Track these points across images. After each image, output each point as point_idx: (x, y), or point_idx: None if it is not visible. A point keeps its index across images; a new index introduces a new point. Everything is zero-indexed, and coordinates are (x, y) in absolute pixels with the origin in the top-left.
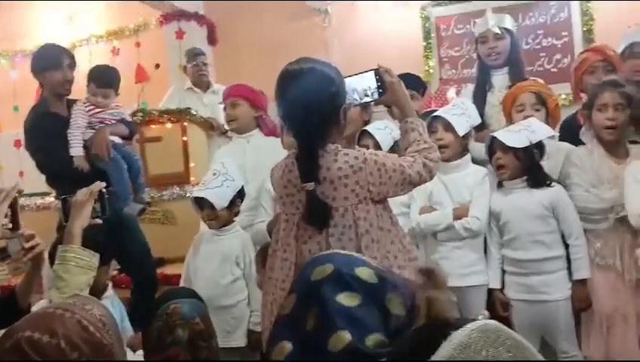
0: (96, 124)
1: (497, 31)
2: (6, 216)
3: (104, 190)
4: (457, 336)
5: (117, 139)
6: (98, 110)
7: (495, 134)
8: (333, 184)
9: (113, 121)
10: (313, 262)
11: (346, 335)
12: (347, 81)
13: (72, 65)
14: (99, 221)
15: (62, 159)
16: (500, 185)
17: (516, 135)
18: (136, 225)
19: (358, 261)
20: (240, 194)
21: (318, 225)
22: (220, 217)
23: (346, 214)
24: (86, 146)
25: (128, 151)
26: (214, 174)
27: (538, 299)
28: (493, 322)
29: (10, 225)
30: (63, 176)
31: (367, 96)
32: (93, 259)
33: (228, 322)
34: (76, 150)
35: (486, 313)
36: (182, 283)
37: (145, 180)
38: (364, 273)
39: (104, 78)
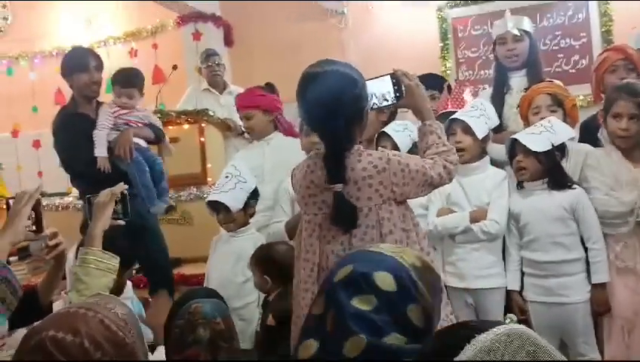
0: (121, 125)
1: (516, 33)
2: (29, 218)
3: (126, 191)
4: (482, 339)
5: (142, 142)
6: (124, 112)
7: (517, 137)
8: (357, 184)
9: (139, 124)
10: (341, 261)
11: (362, 339)
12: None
13: (99, 67)
14: (121, 222)
15: (86, 159)
16: (520, 186)
17: (538, 137)
18: (157, 228)
19: (384, 264)
20: (254, 195)
21: (346, 225)
22: (236, 220)
23: (369, 214)
24: (110, 147)
25: (152, 155)
26: (227, 177)
27: (556, 302)
28: (520, 326)
29: (34, 227)
30: (86, 176)
31: (386, 100)
32: (113, 261)
33: (236, 324)
34: (100, 150)
35: (513, 317)
36: (205, 285)
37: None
38: (382, 279)
39: (127, 79)
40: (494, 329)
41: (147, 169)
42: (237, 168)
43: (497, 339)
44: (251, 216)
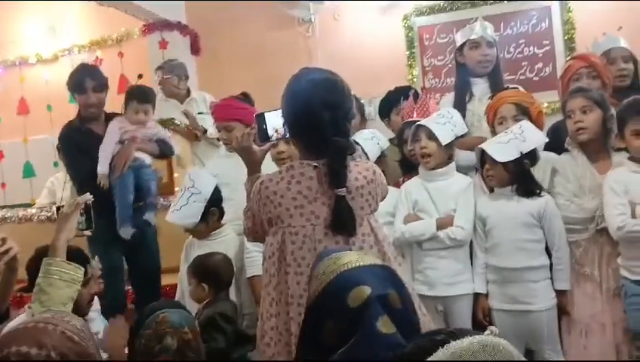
0: (126, 140)
1: (490, 39)
2: None
3: (90, 202)
4: (455, 345)
5: (147, 159)
6: (132, 128)
7: (483, 147)
8: (351, 194)
9: (145, 139)
10: (346, 280)
11: None
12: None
13: (98, 87)
14: (87, 233)
15: (84, 175)
16: (491, 189)
17: (505, 147)
18: (152, 243)
19: (389, 280)
20: (214, 203)
21: (346, 232)
22: (200, 232)
23: (363, 223)
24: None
25: (146, 172)
26: (181, 191)
27: (521, 309)
28: (497, 339)
29: None
30: (85, 191)
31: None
32: (77, 272)
33: None
34: (102, 168)
35: (494, 329)
36: (177, 295)
37: None
38: (393, 298)
39: (145, 95)
40: (470, 338)
41: (131, 190)
42: (191, 178)
43: (469, 348)
44: (219, 218)
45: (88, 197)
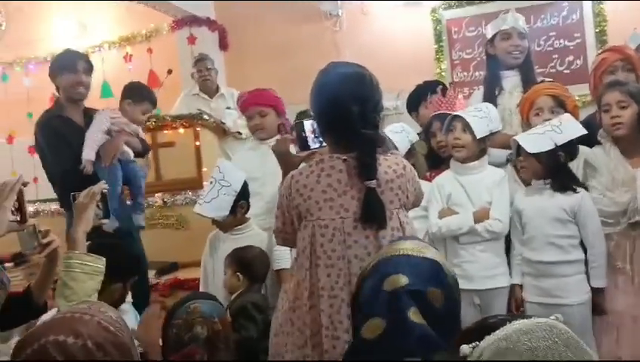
0: (114, 131)
1: (521, 30)
2: (13, 208)
3: (106, 191)
4: (522, 322)
5: (131, 153)
6: (123, 120)
7: (516, 137)
8: (380, 187)
9: (131, 133)
10: (386, 265)
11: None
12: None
13: (87, 69)
14: (104, 221)
15: (65, 165)
16: (527, 183)
17: (539, 138)
18: (138, 237)
19: (435, 277)
20: (243, 196)
21: (376, 224)
22: (226, 225)
23: (392, 217)
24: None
25: (134, 167)
26: (211, 183)
27: (553, 303)
28: (562, 325)
29: (18, 218)
30: (63, 183)
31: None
32: (98, 263)
33: None
34: (88, 154)
35: (560, 316)
36: (201, 285)
37: (159, 185)
38: (434, 296)
39: (156, 101)
40: (536, 319)
41: (120, 182)
42: (220, 170)
43: (537, 325)
44: (246, 212)
45: (103, 185)
